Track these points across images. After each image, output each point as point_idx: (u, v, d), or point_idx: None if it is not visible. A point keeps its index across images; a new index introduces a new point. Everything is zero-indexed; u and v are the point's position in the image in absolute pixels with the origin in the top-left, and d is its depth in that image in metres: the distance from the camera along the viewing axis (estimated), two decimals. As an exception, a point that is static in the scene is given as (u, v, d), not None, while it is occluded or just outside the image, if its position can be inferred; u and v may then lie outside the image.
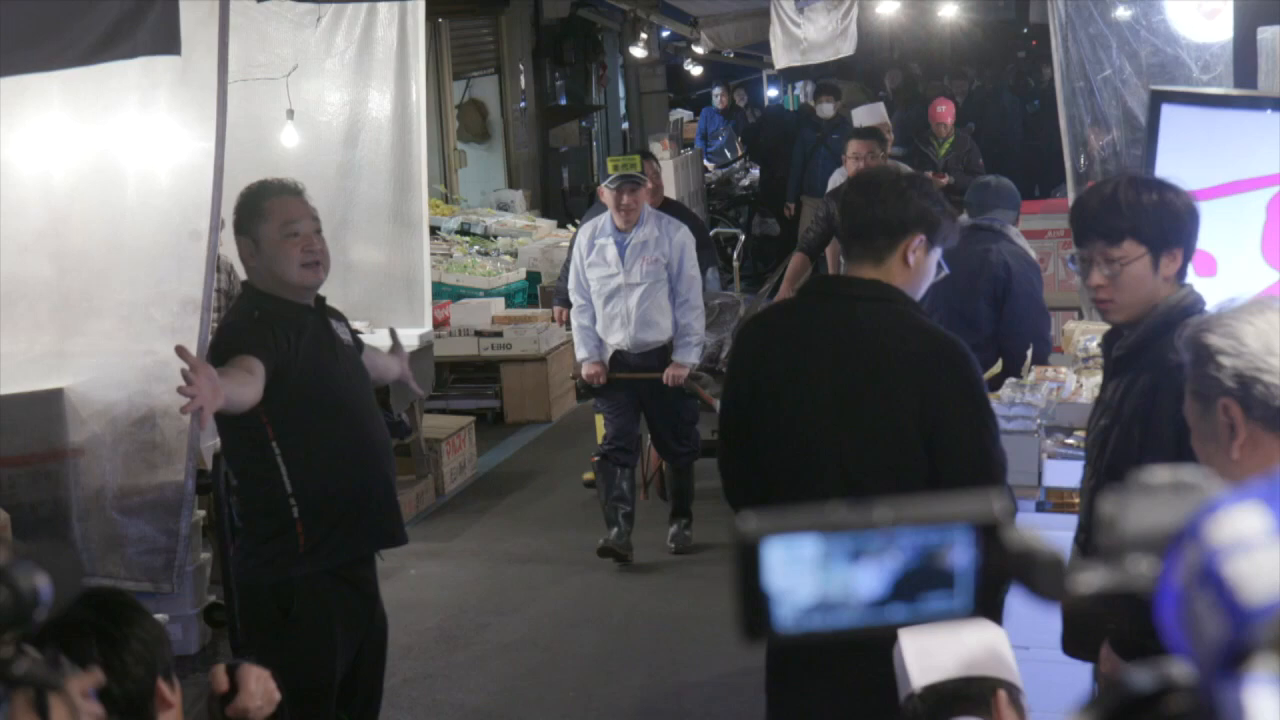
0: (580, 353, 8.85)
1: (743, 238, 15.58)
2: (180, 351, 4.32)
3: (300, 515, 4.98)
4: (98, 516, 6.83)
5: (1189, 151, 4.73)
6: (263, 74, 9.27)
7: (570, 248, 9.33)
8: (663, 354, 8.70)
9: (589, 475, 9.90)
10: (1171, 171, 4.25)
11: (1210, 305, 3.41)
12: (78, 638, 2.72)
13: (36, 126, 6.92)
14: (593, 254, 8.68)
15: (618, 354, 8.71)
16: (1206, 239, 3.76)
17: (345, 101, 9.81)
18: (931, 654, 2.78)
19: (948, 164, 13.80)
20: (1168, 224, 3.65)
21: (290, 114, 9.34)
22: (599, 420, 9.27)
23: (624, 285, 8.59)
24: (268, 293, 5.01)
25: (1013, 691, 2.78)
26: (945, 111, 14.18)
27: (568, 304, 9.43)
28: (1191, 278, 3.76)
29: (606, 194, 8.63)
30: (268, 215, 5.00)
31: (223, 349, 4.84)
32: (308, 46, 9.56)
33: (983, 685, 2.81)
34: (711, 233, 17.07)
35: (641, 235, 8.58)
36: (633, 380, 8.72)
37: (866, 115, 12.35)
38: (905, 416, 3.82)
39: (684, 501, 9.07)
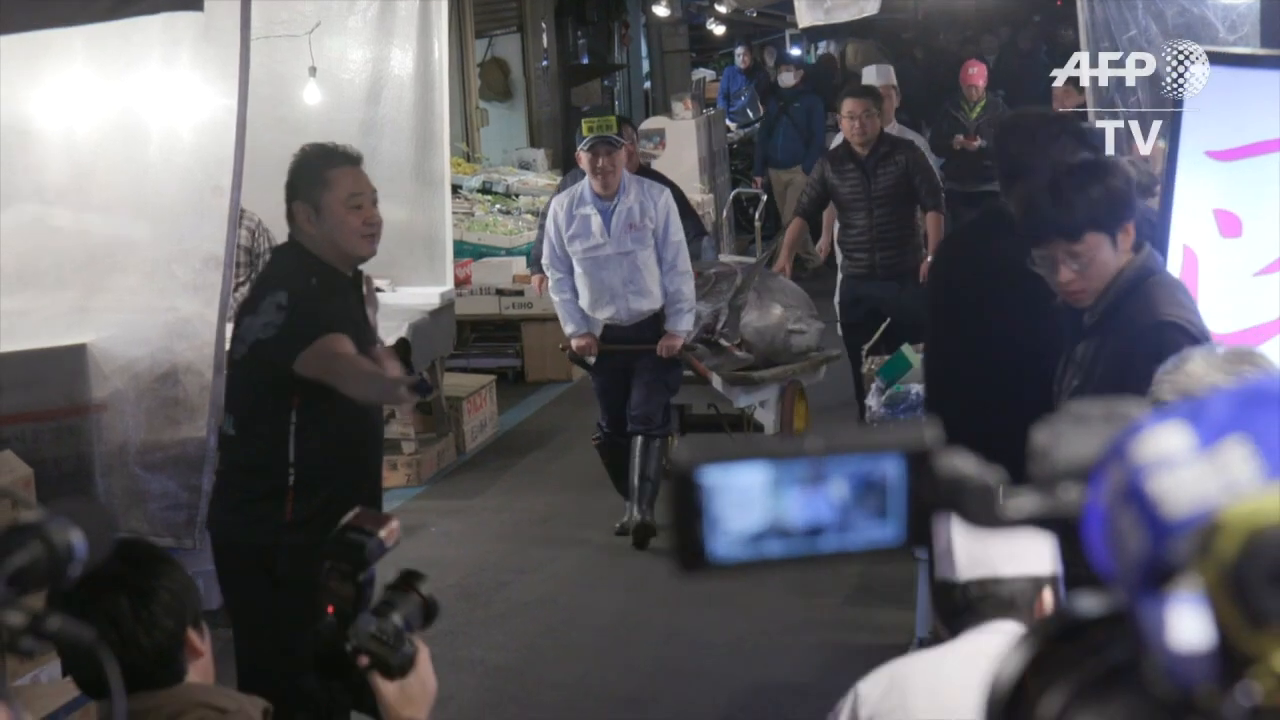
0: (568, 327, 8.43)
1: (764, 198, 15.53)
2: (384, 355, 4.60)
3: (294, 485, 4.97)
4: (120, 472, 6.86)
5: (1214, 112, 4.70)
6: (285, 31, 9.25)
7: (543, 217, 8.99)
8: (656, 323, 8.33)
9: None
10: (1196, 132, 4.24)
11: (1235, 267, 3.42)
12: (107, 591, 2.75)
13: (60, 83, 6.93)
14: (574, 225, 8.23)
15: (609, 326, 8.35)
16: (1231, 199, 3.76)
17: (368, 59, 9.80)
18: (983, 547, 2.79)
19: (979, 127, 13.26)
20: (1118, 205, 3.76)
21: (313, 71, 9.32)
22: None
23: (614, 255, 8.19)
24: (318, 258, 5.02)
25: (1055, 588, 2.82)
26: (976, 74, 13.60)
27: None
28: (1216, 238, 3.77)
29: (583, 158, 8.20)
30: (332, 185, 5.03)
31: (306, 321, 4.85)
32: (330, 3, 9.54)
33: (1029, 586, 2.83)
34: (733, 193, 17.06)
35: (626, 202, 8.19)
36: (625, 352, 8.34)
37: (875, 76, 11.94)
38: None
39: (647, 486, 8.36)
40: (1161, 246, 4.27)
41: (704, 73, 22.63)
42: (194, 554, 6.77)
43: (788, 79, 15.73)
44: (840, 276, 9.91)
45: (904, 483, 1.12)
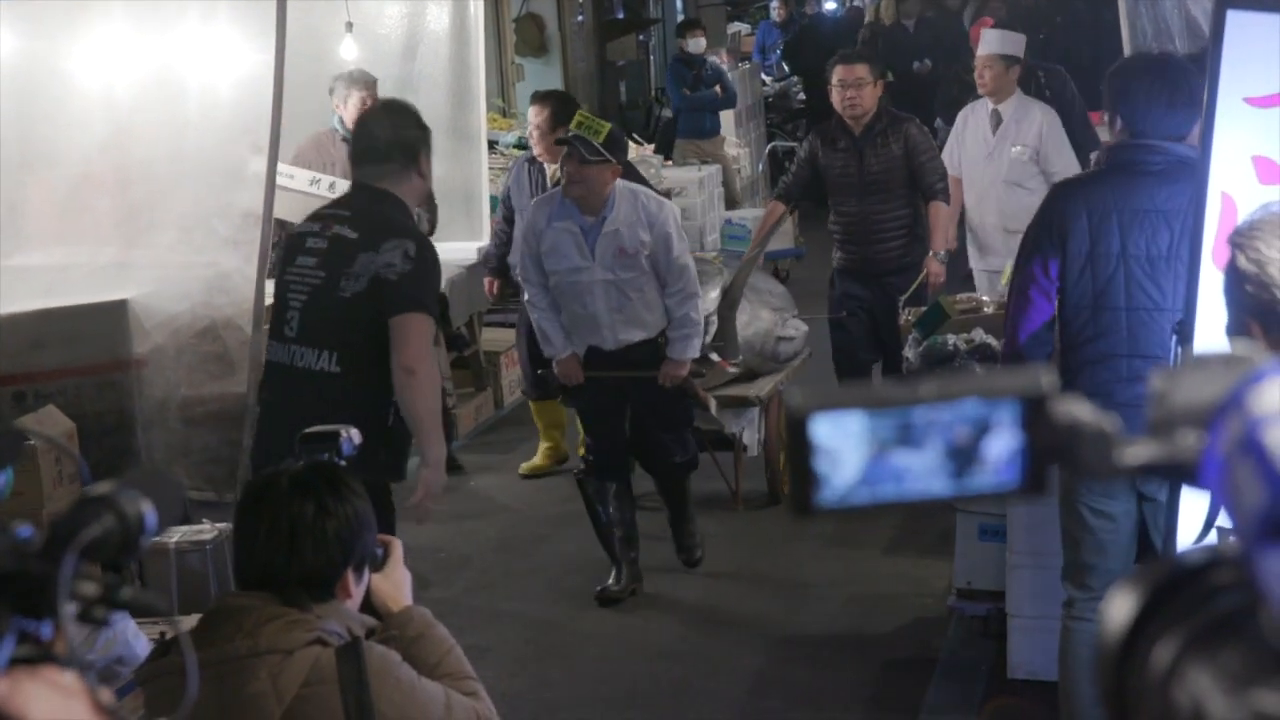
0: (548, 348, 6.98)
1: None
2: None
3: (393, 425, 5.14)
4: (161, 426, 6.92)
5: (1254, 61, 4.65)
6: (321, -14, 9.27)
7: (502, 205, 8.15)
8: (651, 346, 6.93)
9: (527, 466, 8.89)
10: (1234, 79, 4.22)
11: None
12: (301, 495, 2.90)
13: (99, 39, 6.95)
14: (549, 239, 6.77)
15: (592, 348, 6.95)
16: (1269, 146, 3.74)
17: (404, 14, 9.81)
18: None
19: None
20: None
21: (349, 27, 9.34)
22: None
23: (599, 282, 6.75)
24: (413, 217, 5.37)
25: None
26: None
27: (499, 273, 8.45)
28: (1256, 186, 3.76)
29: (562, 159, 6.76)
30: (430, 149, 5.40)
31: (426, 282, 5.21)
32: (366, -41, 9.55)
33: None
34: (769, 146, 16.98)
35: (613, 223, 6.68)
36: (618, 378, 6.95)
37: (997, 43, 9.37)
38: None
39: (683, 512, 7.33)
40: (1200, 193, 4.26)
41: (739, 26, 22.53)
42: (234, 507, 6.82)
43: (699, 44, 15.00)
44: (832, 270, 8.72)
45: (1019, 429, 1.12)
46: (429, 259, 5.21)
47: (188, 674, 1.85)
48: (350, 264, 5.13)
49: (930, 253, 8.11)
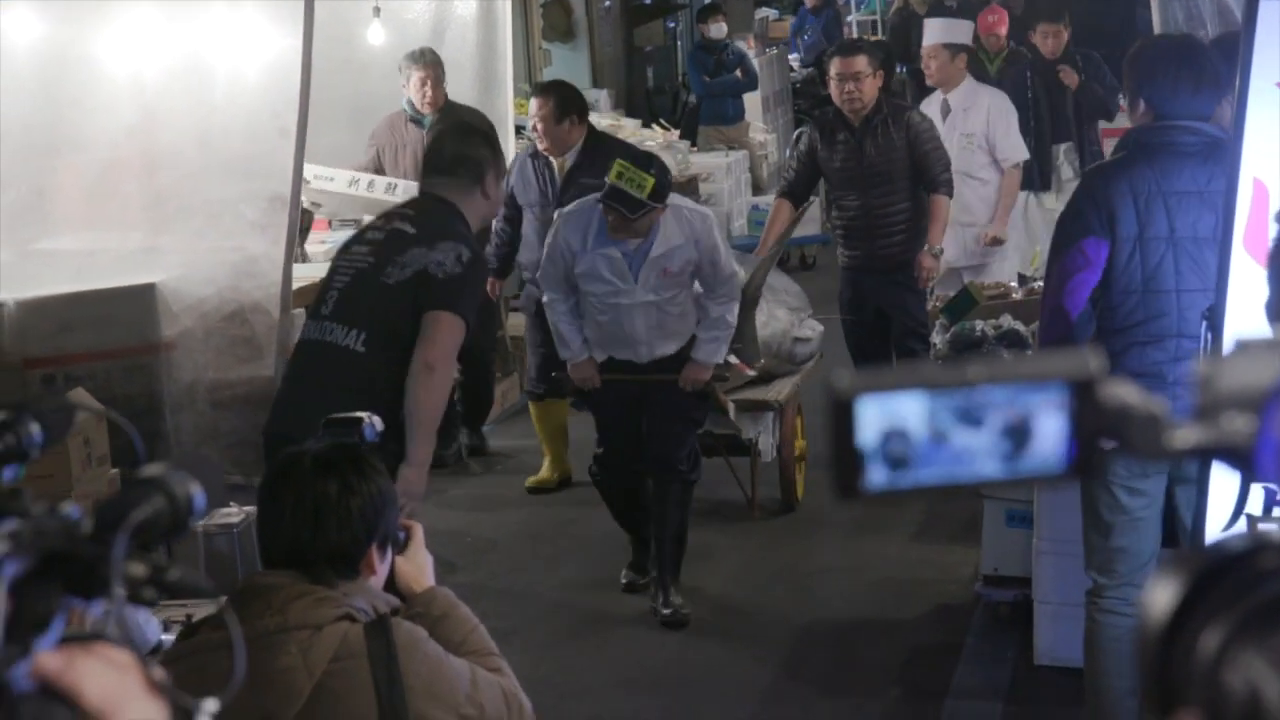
0: (564, 350, 6.61)
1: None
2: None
3: (404, 418, 5.14)
4: (190, 410, 6.96)
5: (1285, 44, 4.64)
6: (349, -29, 9.29)
7: (508, 203, 7.29)
8: (677, 353, 6.61)
9: (534, 481, 8.39)
10: (1266, 63, 4.20)
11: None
12: (324, 474, 2.94)
13: (127, 25, 6.99)
14: (586, 262, 6.38)
15: (618, 359, 6.63)
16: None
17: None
18: None
19: (999, 83, 11.54)
20: None
21: (376, 11, 9.36)
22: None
23: (637, 305, 6.43)
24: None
25: None
26: (996, 21, 11.76)
27: (501, 274, 8.02)
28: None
29: (604, 208, 6.29)
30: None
31: (471, 292, 5.23)
32: (393, -57, 9.56)
33: None
34: (796, 133, 16.91)
35: (660, 245, 6.35)
36: (636, 382, 6.62)
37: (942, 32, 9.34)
38: None
39: (668, 549, 6.66)
40: (1232, 178, 4.24)
41: (767, 11, 22.46)
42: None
43: (720, 30, 14.93)
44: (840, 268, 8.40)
45: (1068, 412, 1.11)
46: (479, 272, 5.28)
47: (235, 650, 1.90)
48: (401, 254, 5.17)
49: (925, 246, 7.81)
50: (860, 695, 5.98)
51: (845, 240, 8.07)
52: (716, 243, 6.45)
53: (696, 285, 6.56)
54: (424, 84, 8.70)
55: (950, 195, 7.85)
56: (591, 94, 15.92)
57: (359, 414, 3.15)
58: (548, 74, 15.67)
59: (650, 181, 6.11)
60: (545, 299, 6.62)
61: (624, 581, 6.97)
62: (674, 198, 6.48)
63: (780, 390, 7.62)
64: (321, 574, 2.93)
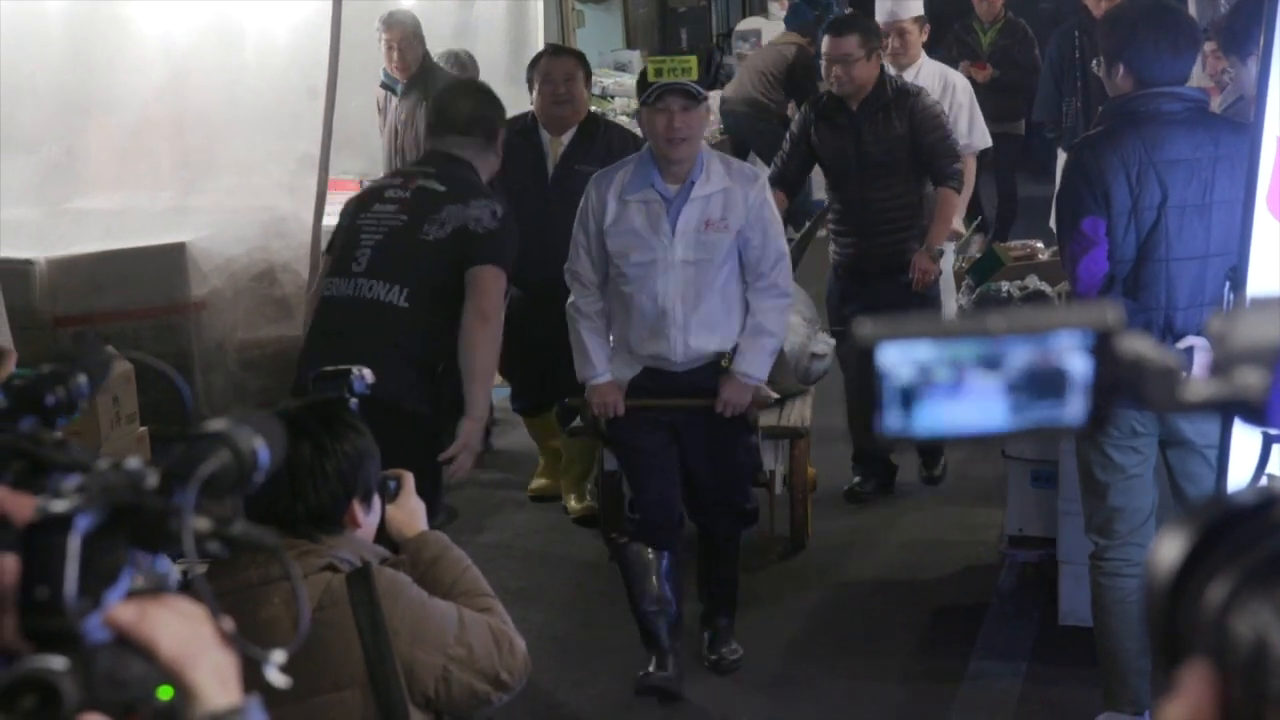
0: (585, 369, 5.61)
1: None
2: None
3: (445, 370, 5.23)
4: (220, 369, 7.00)
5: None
6: (379, -68, 9.27)
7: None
8: (713, 369, 5.54)
9: (535, 488, 7.69)
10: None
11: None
12: (295, 438, 2.91)
13: (157, -15, 7.01)
14: (616, 214, 5.44)
15: (649, 370, 5.58)
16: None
17: (462, -41, 9.80)
18: None
19: (992, 55, 11.33)
20: None
21: (406, -30, 9.33)
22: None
23: (677, 263, 5.42)
24: None
25: None
26: None
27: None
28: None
29: (647, 117, 5.41)
30: None
31: (507, 246, 5.29)
32: (424, -97, 9.54)
33: None
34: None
35: (704, 187, 5.42)
36: (668, 410, 5.58)
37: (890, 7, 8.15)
38: None
39: (727, 592, 5.91)
40: (1255, 137, 4.22)
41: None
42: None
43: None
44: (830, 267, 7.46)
45: (1086, 363, 1.12)
46: (511, 225, 5.32)
47: (299, 601, 1.91)
48: (436, 211, 5.24)
49: (924, 245, 7.04)
50: (886, 654, 6.00)
51: (837, 235, 7.25)
52: (767, 199, 5.52)
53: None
54: (390, 49, 8.33)
55: (959, 190, 7.12)
56: (625, 54, 15.91)
57: (348, 367, 3.19)
58: (580, 35, 15.65)
59: (692, 60, 5.48)
60: (570, 301, 5.62)
61: (640, 675, 5.66)
62: (721, 154, 5.91)
63: (802, 413, 6.74)
64: (304, 531, 2.99)
